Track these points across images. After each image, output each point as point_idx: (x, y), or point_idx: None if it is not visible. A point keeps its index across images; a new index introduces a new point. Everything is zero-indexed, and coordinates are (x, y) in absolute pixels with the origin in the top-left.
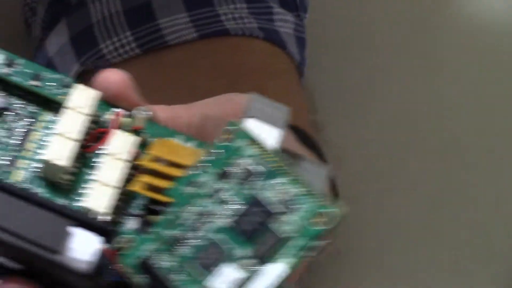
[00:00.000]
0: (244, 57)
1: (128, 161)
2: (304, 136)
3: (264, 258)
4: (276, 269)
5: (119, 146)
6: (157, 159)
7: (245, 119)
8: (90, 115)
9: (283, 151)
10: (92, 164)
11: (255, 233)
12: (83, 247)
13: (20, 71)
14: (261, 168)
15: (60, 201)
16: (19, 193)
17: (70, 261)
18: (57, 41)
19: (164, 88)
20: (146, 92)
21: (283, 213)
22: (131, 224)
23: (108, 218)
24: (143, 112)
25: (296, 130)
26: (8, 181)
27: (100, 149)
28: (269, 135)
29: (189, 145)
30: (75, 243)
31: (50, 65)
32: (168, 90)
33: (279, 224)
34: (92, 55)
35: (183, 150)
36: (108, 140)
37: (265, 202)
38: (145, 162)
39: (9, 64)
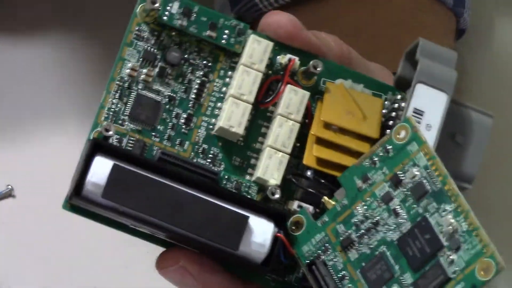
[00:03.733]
0: (385, 11)
1: (300, 122)
2: None
3: None
4: None
5: (291, 104)
6: (329, 125)
7: (415, 86)
8: (264, 71)
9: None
10: (265, 122)
11: (423, 263)
12: (260, 238)
13: (196, 20)
14: (431, 186)
15: (235, 160)
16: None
17: (247, 253)
18: None
19: None
20: None
21: (450, 248)
22: (301, 202)
23: (279, 194)
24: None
25: None
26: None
27: (272, 105)
28: (436, 103)
29: (360, 88)
30: (252, 235)
31: None
32: None
33: (448, 261)
34: (246, 4)
35: (356, 101)
36: (280, 96)
37: (436, 230)
38: (317, 131)
39: (185, 14)
